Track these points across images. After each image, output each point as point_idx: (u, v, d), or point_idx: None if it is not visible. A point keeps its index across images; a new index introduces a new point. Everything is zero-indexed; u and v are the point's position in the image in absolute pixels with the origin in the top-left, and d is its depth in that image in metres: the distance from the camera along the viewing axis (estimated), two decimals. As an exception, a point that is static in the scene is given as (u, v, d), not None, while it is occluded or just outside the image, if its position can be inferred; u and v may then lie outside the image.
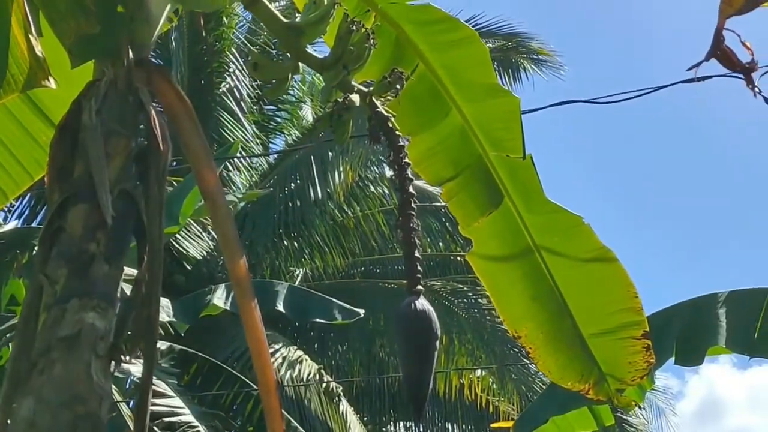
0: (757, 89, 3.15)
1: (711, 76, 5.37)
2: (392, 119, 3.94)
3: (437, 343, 3.50)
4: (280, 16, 4.02)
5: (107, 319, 3.01)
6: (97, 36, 3.20)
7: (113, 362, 3.03)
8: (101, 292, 3.03)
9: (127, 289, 3.20)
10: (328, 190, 20.57)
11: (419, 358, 3.44)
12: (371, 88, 4.06)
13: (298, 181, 20.81)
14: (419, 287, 3.54)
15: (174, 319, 11.98)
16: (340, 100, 3.94)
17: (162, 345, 14.87)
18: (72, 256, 3.07)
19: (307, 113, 24.10)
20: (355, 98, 3.94)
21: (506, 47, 23.74)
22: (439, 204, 19.80)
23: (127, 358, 3.08)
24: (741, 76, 2.87)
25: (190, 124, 3.44)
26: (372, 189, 21.73)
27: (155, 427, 13.20)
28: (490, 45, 23.48)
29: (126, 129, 3.23)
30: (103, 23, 3.19)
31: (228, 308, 11.86)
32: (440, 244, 23.15)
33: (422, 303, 3.49)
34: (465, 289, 21.82)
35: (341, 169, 20.54)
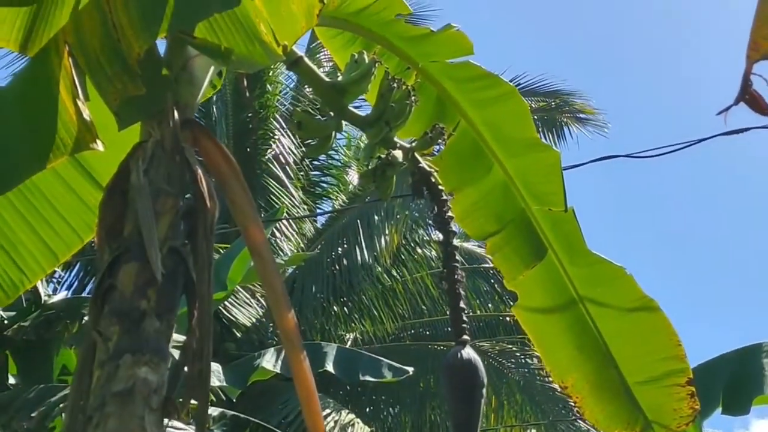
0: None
1: (749, 129, 5.43)
2: (435, 174, 4.02)
3: (483, 390, 3.56)
4: (323, 76, 4.12)
5: (159, 374, 3.08)
6: (142, 98, 3.29)
7: (166, 416, 3.09)
8: (153, 348, 3.10)
9: (177, 354, 3.27)
10: (375, 254, 20.60)
11: (465, 405, 3.49)
12: (413, 144, 4.14)
13: (345, 246, 20.85)
14: (465, 337, 3.61)
15: (225, 384, 11.99)
16: (383, 156, 4.02)
17: (214, 411, 14.88)
18: (124, 313, 3.14)
19: (353, 178, 24.23)
20: (398, 154, 4.02)
21: (549, 106, 23.80)
22: (487, 265, 19.83)
23: (180, 413, 3.14)
24: None
25: (236, 182, 3.52)
26: (419, 251, 21.75)
27: (209, 494, 13.22)
28: (533, 105, 23.58)
29: (173, 188, 3.31)
30: (148, 86, 3.28)
31: (278, 371, 11.87)
32: (489, 305, 23.11)
33: (468, 352, 3.55)
34: (514, 349, 21.76)
35: (387, 232, 20.60)
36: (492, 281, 21.99)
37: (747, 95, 2.82)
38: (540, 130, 23.25)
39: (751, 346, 7.87)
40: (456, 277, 3.72)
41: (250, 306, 19.69)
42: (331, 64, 16.81)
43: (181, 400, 3.11)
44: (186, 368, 3.19)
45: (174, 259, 3.21)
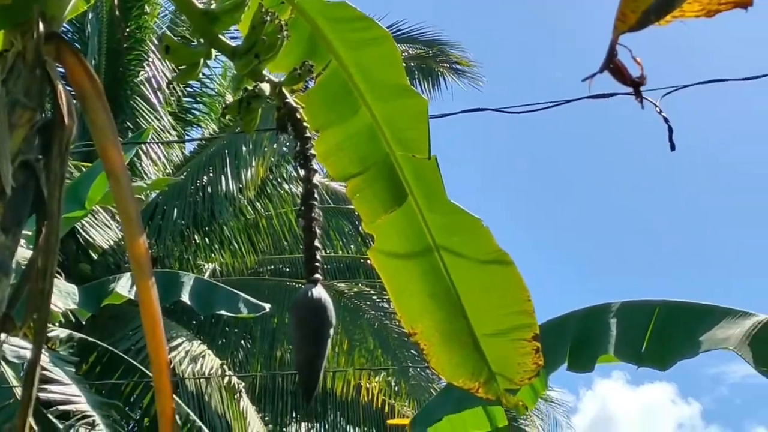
0: (656, 107, 3.26)
1: (614, 94, 5.51)
2: (301, 111, 3.99)
3: (331, 330, 3.56)
4: (195, 2, 4.05)
5: (1, 289, 3.02)
6: (7, 7, 3.21)
7: (4, 332, 3.04)
8: (-4, 261, 3.04)
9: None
10: (240, 186, 20.53)
11: (311, 344, 3.50)
12: (282, 79, 4.11)
13: (211, 175, 20.74)
14: (317, 276, 3.60)
15: (76, 307, 11.82)
16: (250, 88, 3.99)
17: (62, 333, 14.71)
18: (-32, 224, 3.08)
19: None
20: (266, 87, 3.98)
21: (427, 54, 23.91)
22: (352, 206, 19.90)
23: (19, 330, 3.09)
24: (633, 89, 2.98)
25: (97, 102, 3.46)
26: (285, 187, 21.75)
27: (50, 415, 13.06)
28: (411, 51, 23.64)
29: (31, 101, 3.24)
30: (14, -5, 3.21)
31: (132, 297, 11.74)
32: (352, 246, 23.24)
33: (319, 291, 3.55)
34: (372, 292, 21.92)
35: (254, 164, 20.53)
36: (356, 223, 22.10)
37: (612, 65, 2.89)
38: (416, 77, 23.34)
39: (597, 306, 8.02)
40: (313, 215, 3.70)
41: (110, 228, 19.46)
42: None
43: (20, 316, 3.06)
44: (28, 285, 3.14)
45: (26, 174, 3.15)
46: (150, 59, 22.01)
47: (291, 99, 4.00)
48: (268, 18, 3.96)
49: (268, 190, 21.48)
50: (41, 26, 3.34)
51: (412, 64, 23.25)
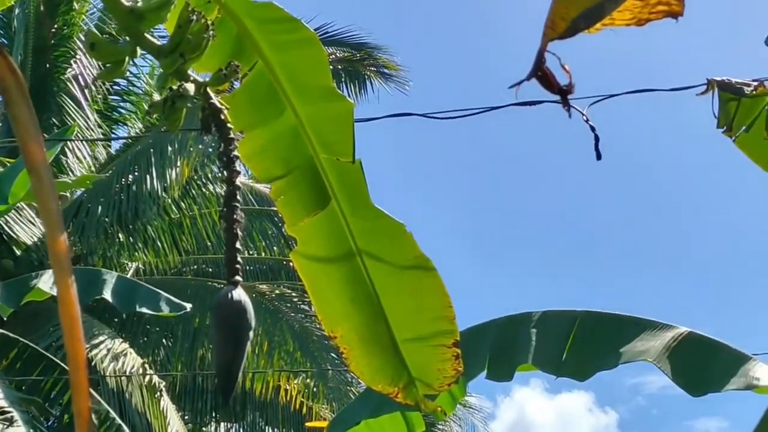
0: (583, 116, 3.29)
1: (541, 102, 5.57)
2: (225, 112, 3.98)
3: (250, 333, 3.56)
4: (123, 0, 4.03)
5: None
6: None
7: None
8: None
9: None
10: (165, 185, 20.43)
11: (230, 346, 3.49)
12: (207, 80, 4.10)
13: (136, 173, 20.63)
14: (237, 278, 3.59)
15: (-2, 302, 11.69)
16: (175, 87, 3.97)
17: (-19, 329, 14.56)
18: None
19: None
20: (191, 87, 3.97)
21: (354, 58, 23.94)
22: (275, 208, 19.86)
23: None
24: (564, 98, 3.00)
25: (20, 97, 3.43)
26: (210, 188, 21.68)
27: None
28: (338, 54, 23.67)
29: (-49, 95, 3.21)
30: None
31: (54, 293, 11.64)
32: (275, 248, 23.21)
33: (239, 293, 3.54)
34: (293, 294, 21.92)
35: (179, 164, 20.44)
36: (280, 225, 22.14)
37: (540, 72, 2.91)
38: (343, 80, 23.39)
39: (518, 315, 8.06)
40: (234, 216, 3.70)
41: (33, 224, 19.29)
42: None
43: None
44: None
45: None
46: (77, 56, 21.86)
47: (216, 100, 3.99)
48: (194, 17, 3.94)
49: (193, 190, 21.40)
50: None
51: (340, 67, 23.28)
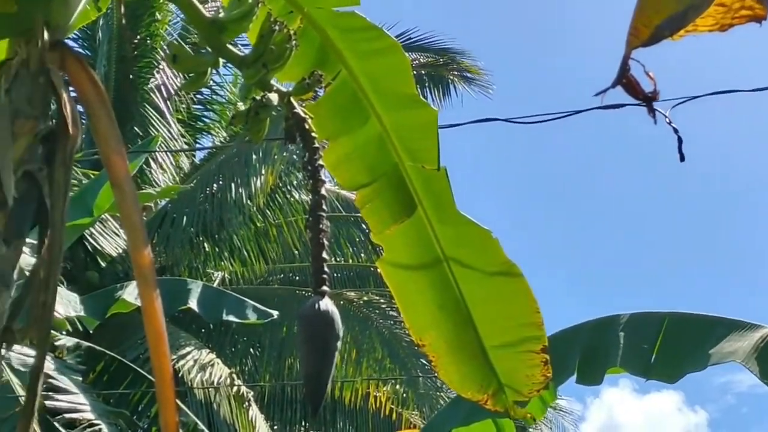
0: (666, 118, 3.23)
1: (624, 105, 5.48)
2: (310, 121, 3.96)
3: (338, 343, 3.53)
4: (203, 10, 4.02)
5: (2, 301, 2.99)
6: (12, 15, 3.18)
7: (5, 344, 3.01)
8: (-2, 273, 3.01)
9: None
10: (250, 193, 20.50)
11: (319, 357, 3.47)
12: (291, 89, 4.07)
13: (221, 182, 20.72)
14: (324, 288, 3.57)
15: (83, 315, 11.79)
16: (258, 98, 3.96)
17: (69, 341, 14.67)
18: (-31, 234, 3.04)
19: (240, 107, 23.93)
20: (274, 97, 3.95)
21: (437, 63, 23.91)
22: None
23: (20, 342, 3.05)
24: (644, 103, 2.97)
25: (102, 110, 3.42)
26: (296, 195, 21.71)
27: (56, 423, 13.03)
28: (422, 59, 23.65)
29: (35, 110, 3.20)
30: (19, 2, 3.17)
31: (139, 305, 11.65)
32: (362, 254, 23.21)
33: (326, 303, 3.52)
34: (381, 301, 21.89)
35: (263, 172, 20.50)
36: (367, 231, 21.98)
37: (624, 79, 2.87)
38: (426, 85, 23.37)
39: (606, 318, 8.03)
40: (321, 226, 3.67)
41: (118, 236, 19.44)
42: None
43: (20, 329, 3.02)
44: (30, 297, 3.10)
45: (28, 184, 3.11)
46: (160, 67, 22.03)
47: (299, 109, 3.97)
48: (277, 27, 3.93)
49: (278, 199, 21.45)
50: (45, 34, 3.31)
51: (423, 72, 23.27)
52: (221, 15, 4.02)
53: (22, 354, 10.43)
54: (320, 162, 3.85)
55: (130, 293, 11.57)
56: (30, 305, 3.10)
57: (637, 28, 2.81)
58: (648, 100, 2.93)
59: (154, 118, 21.49)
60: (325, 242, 3.67)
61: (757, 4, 3.03)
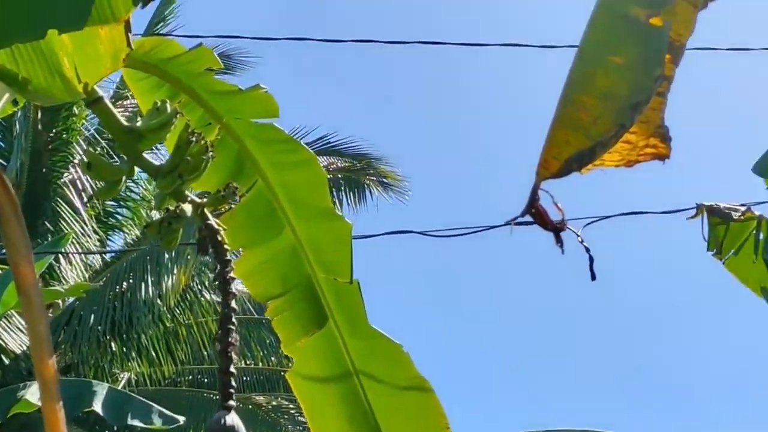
0: (578, 237, 3.28)
1: (527, 223, 5.57)
2: (222, 233, 3.96)
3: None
4: (121, 119, 4.01)
5: None
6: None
7: None
8: None
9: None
10: (161, 293, 20.33)
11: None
12: (205, 200, 4.07)
13: (131, 281, 20.53)
14: (231, 402, 3.56)
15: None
16: (172, 208, 3.95)
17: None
18: None
19: (152, 213, 23.90)
20: (188, 208, 3.95)
21: (354, 167, 24.07)
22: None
23: None
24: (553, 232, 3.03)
25: (12, 215, 3.39)
26: (207, 296, 21.57)
27: None
28: (339, 164, 23.80)
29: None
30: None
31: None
32: (272, 358, 23.05)
33: (232, 419, 3.50)
34: (291, 406, 21.72)
35: (175, 272, 20.37)
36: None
37: (533, 209, 2.94)
38: (343, 189, 23.49)
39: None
40: (230, 340, 3.66)
41: (23, 333, 19.13)
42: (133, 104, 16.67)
43: None
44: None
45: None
46: (75, 161, 21.88)
47: (213, 220, 3.96)
48: (194, 139, 3.93)
49: (189, 298, 21.30)
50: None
51: (340, 176, 23.39)
52: (139, 123, 4.02)
53: None
54: (231, 275, 3.85)
55: (33, 393, 11.33)
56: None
57: (547, 160, 2.88)
58: (556, 230, 2.99)
59: (66, 213, 21.30)
60: (233, 356, 3.66)
61: (660, 143, 3.16)
